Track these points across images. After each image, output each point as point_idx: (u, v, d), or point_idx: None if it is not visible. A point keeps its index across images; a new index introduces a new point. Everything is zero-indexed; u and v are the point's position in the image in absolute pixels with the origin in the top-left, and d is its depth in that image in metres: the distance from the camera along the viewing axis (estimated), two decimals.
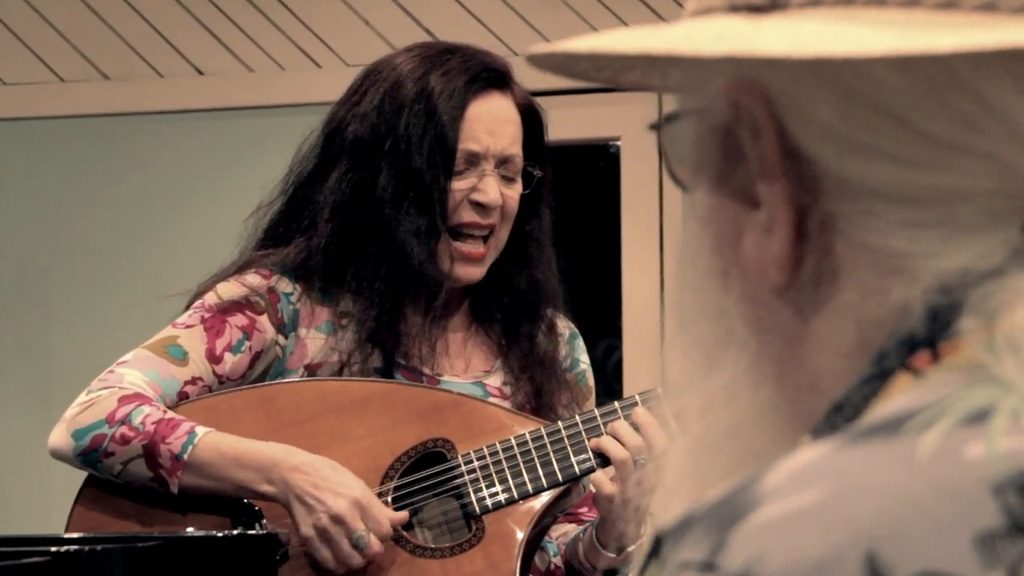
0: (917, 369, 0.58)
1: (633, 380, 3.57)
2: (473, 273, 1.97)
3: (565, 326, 2.11)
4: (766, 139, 0.62)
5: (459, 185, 1.95)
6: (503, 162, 1.97)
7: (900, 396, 0.58)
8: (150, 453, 1.87)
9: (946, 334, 0.58)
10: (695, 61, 0.63)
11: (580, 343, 2.12)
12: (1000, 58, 0.57)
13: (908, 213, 0.60)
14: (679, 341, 0.69)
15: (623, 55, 0.63)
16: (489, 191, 1.95)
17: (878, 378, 0.59)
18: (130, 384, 1.91)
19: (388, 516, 1.88)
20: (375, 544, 1.86)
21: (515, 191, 1.98)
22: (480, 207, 1.96)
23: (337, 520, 1.85)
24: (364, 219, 1.94)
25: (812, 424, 0.63)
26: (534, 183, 2.00)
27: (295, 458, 1.87)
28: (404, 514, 1.90)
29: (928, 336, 0.58)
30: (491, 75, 1.97)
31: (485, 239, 1.97)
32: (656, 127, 0.70)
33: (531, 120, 2.01)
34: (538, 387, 2.01)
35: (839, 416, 0.60)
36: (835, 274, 0.62)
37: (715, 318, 0.67)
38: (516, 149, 1.98)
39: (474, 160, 1.95)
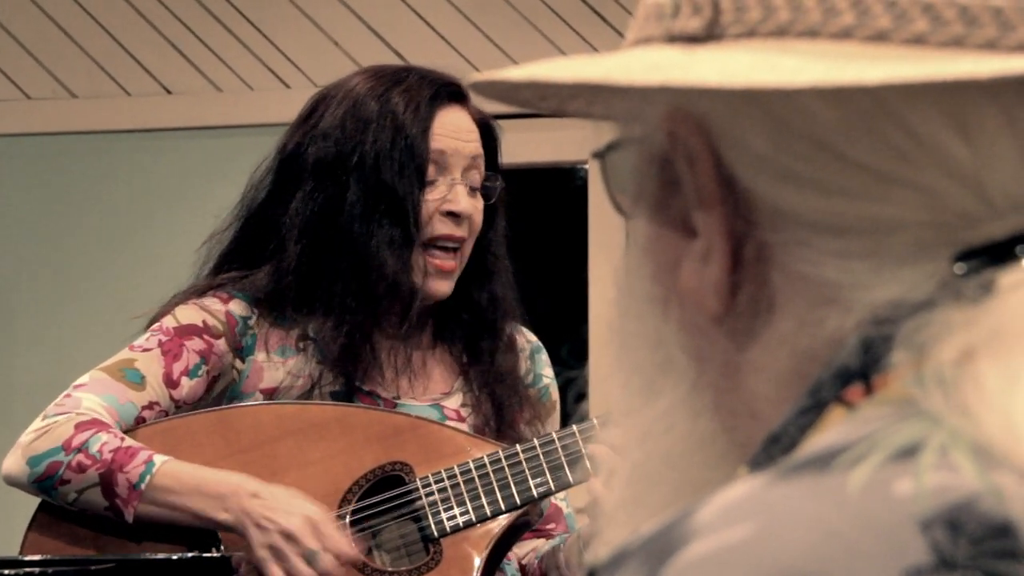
0: (850, 402, 0.58)
1: (599, 400, 3.56)
2: (444, 288, 1.98)
3: (526, 341, 2.11)
4: (702, 169, 0.62)
5: (431, 196, 1.96)
6: (469, 169, 1.99)
7: (833, 430, 0.57)
8: (107, 482, 1.86)
9: (878, 367, 0.58)
10: (633, 90, 0.63)
11: (543, 357, 2.12)
12: (929, 91, 0.58)
13: (840, 243, 0.60)
14: (620, 368, 0.69)
15: (559, 83, 0.63)
16: (461, 200, 1.97)
17: (813, 409, 0.59)
18: (87, 409, 1.90)
19: (343, 541, 1.87)
20: (327, 560, 1.85)
21: (479, 204, 2.00)
22: (453, 216, 1.97)
23: (288, 536, 1.84)
24: (334, 236, 1.94)
25: (749, 452, 0.63)
26: (496, 194, 2.02)
27: (251, 486, 1.87)
28: (358, 553, 1.89)
29: (861, 369, 0.58)
30: (451, 89, 2.00)
31: (454, 252, 1.98)
32: (598, 156, 0.70)
33: (487, 134, 2.04)
34: (499, 404, 2.02)
35: (775, 447, 0.60)
36: (771, 303, 0.62)
37: (654, 346, 0.67)
38: (480, 160, 2.01)
39: (443, 170, 1.97)
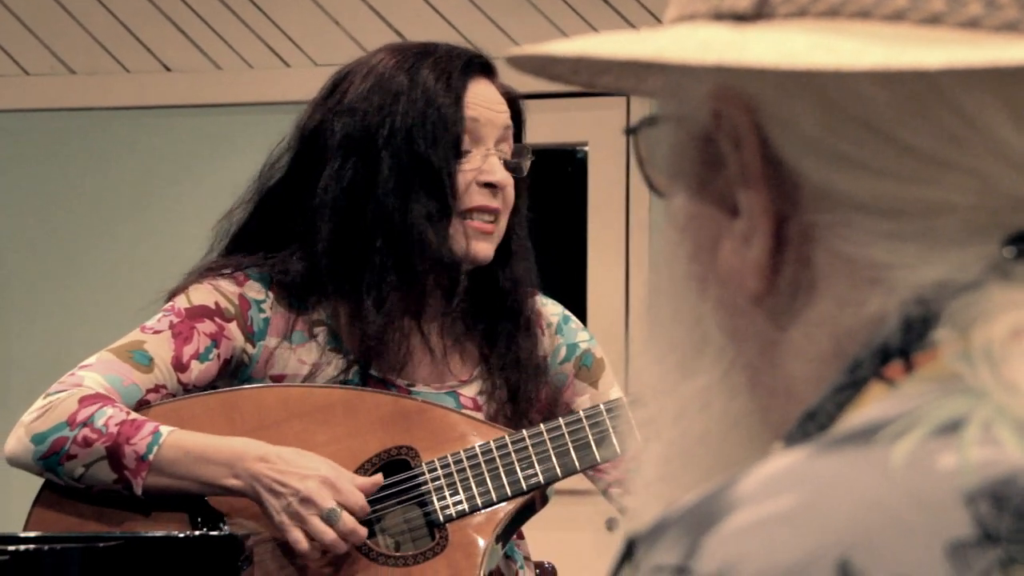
0: (890, 379, 0.58)
1: None
2: (487, 249, 1.94)
3: (554, 313, 2.09)
4: (748, 149, 0.62)
5: (466, 167, 1.94)
6: (501, 141, 1.97)
7: (873, 405, 0.58)
8: (114, 455, 1.85)
9: (921, 344, 0.58)
10: (677, 68, 0.63)
11: (573, 324, 2.10)
12: (983, 75, 0.58)
13: (888, 225, 0.60)
14: (654, 346, 0.69)
15: (610, 60, 0.63)
16: (496, 170, 1.95)
17: (851, 387, 0.60)
18: (89, 386, 1.89)
19: (359, 484, 1.86)
20: (347, 518, 1.84)
21: (511, 179, 1.99)
22: (489, 187, 1.94)
23: (306, 501, 1.83)
24: (368, 213, 1.91)
25: (785, 431, 0.63)
26: (527, 168, 2.01)
27: (259, 450, 1.85)
28: (378, 477, 1.89)
29: (902, 346, 0.58)
30: (481, 62, 1.99)
31: (492, 222, 1.96)
32: (631, 132, 0.70)
33: (515, 110, 2.02)
34: (514, 389, 2.00)
35: (811, 424, 0.61)
36: (812, 284, 0.62)
37: (691, 324, 0.67)
38: (510, 132, 1.99)
39: (477, 141, 1.95)
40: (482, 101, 1.95)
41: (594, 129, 3.78)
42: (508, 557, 2.05)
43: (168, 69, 3.92)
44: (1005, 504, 0.52)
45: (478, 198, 1.94)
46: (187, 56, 3.91)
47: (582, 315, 3.74)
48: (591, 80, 0.70)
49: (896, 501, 0.53)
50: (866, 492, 0.53)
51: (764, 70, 0.58)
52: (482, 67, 1.98)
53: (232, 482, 1.85)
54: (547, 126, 3.72)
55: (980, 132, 0.58)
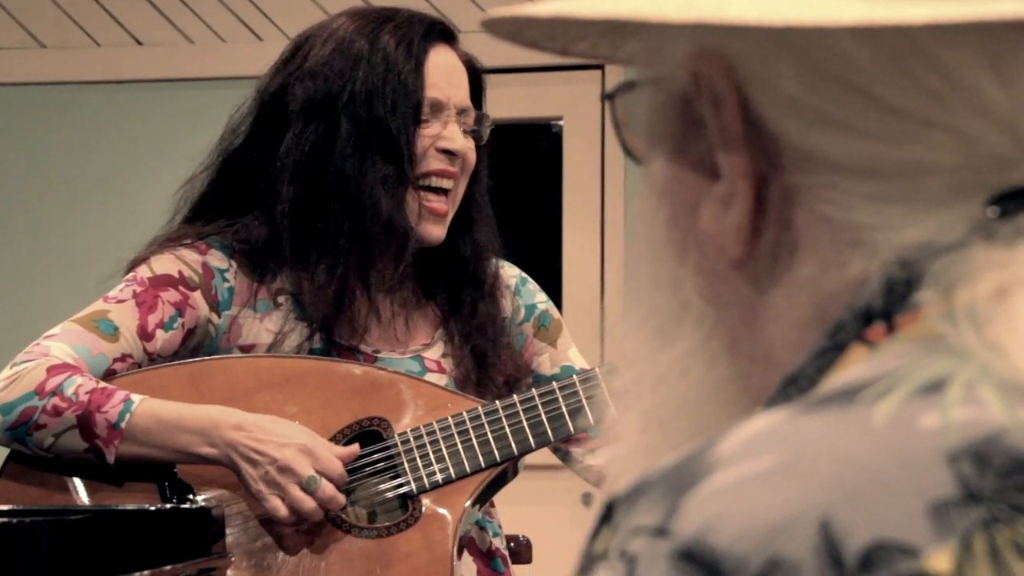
0: (872, 341, 0.58)
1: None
2: (437, 232, 1.96)
3: (511, 275, 2.10)
4: (728, 110, 0.61)
5: (425, 132, 1.94)
6: (462, 111, 1.97)
7: (855, 367, 0.57)
8: (85, 424, 1.83)
9: (903, 306, 0.57)
10: (655, 29, 0.62)
11: (531, 286, 2.11)
12: (967, 32, 0.57)
13: (871, 186, 0.59)
14: (633, 313, 0.68)
15: (587, 20, 0.62)
16: (456, 138, 1.95)
17: (833, 350, 0.59)
18: (56, 356, 1.87)
19: (337, 453, 1.86)
20: (326, 486, 1.84)
21: (472, 144, 1.99)
22: (447, 154, 1.95)
23: (284, 469, 1.83)
24: (327, 177, 1.91)
25: (765, 398, 0.62)
26: (487, 134, 2.01)
27: (234, 417, 1.84)
28: (354, 447, 1.88)
29: (884, 308, 0.58)
30: (442, 29, 1.98)
31: (446, 194, 1.96)
32: (609, 97, 0.69)
33: (474, 76, 2.02)
34: (480, 355, 2.00)
35: (793, 388, 0.60)
36: (794, 247, 0.61)
37: (670, 290, 0.66)
38: (469, 101, 1.99)
39: (437, 108, 1.95)
40: (443, 68, 1.95)
41: (569, 103, 3.77)
42: (482, 528, 2.05)
43: (140, 43, 3.89)
44: (987, 464, 0.52)
45: (435, 163, 1.94)
46: (159, 30, 3.88)
47: (558, 288, 3.73)
48: (566, 46, 0.69)
49: (878, 460, 0.52)
50: (848, 451, 0.53)
51: (744, 28, 0.57)
52: (442, 34, 1.98)
53: (207, 450, 1.83)
54: (522, 100, 3.70)
55: (963, 90, 0.58)
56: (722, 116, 0.61)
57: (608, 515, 0.56)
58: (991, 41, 0.57)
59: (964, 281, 0.56)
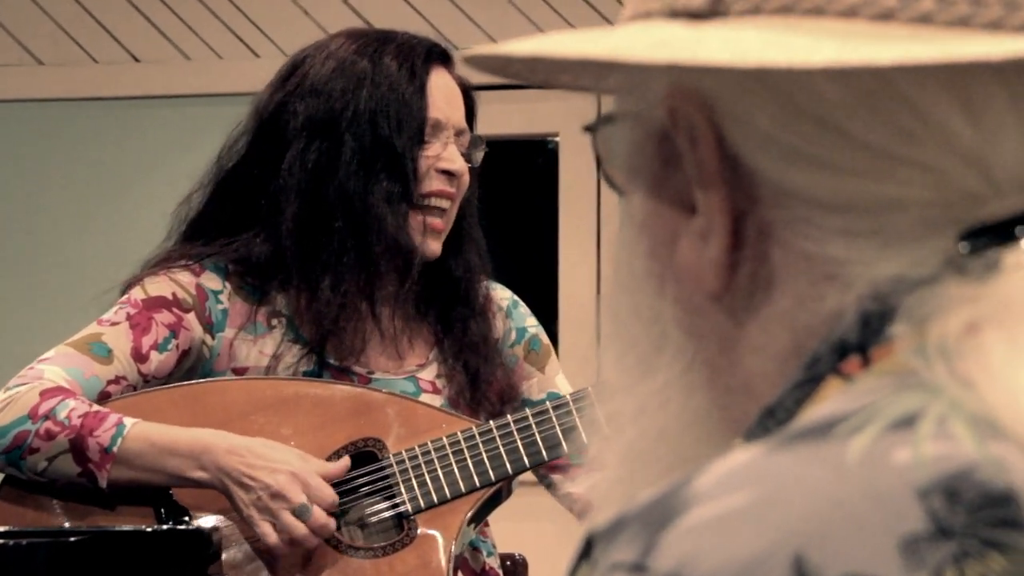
0: (847, 374, 0.58)
1: (569, 377, 3.57)
2: (436, 248, 1.98)
3: (503, 297, 2.11)
4: (704, 147, 0.62)
5: (426, 153, 1.97)
6: (459, 133, 2.00)
7: (830, 401, 0.58)
8: (77, 447, 1.83)
9: (877, 340, 0.58)
10: (634, 66, 0.62)
11: (522, 309, 2.12)
12: (936, 71, 0.58)
13: (844, 221, 0.60)
14: (614, 344, 0.69)
15: (563, 60, 0.63)
16: (456, 159, 1.98)
17: (810, 383, 0.60)
18: (50, 380, 1.87)
19: (328, 469, 1.86)
20: (318, 512, 1.84)
21: (467, 166, 2.01)
22: (447, 175, 1.97)
23: (276, 495, 1.83)
24: (330, 195, 1.93)
25: (743, 429, 0.63)
26: (481, 158, 2.03)
27: (226, 441, 1.85)
28: (345, 460, 1.89)
29: (859, 341, 0.59)
30: (440, 52, 2.01)
31: (443, 213, 1.98)
32: (590, 129, 0.70)
33: (468, 100, 2.05)
34: (473, 373, 2.01)
35: (771, 419, 0.61)
36: (770, 281, 0.62)
37: (650, 322, 0.67)
38: (466, 123, 2.02)
39: (438, 129, 1.98)
40: (443, 89, 1.99)
41: (565, 120, 3.78)
42: (475, 548, 2.05)
43: (136, 60, 3.90)
44: (958, 498, 0.52)
45: (436, 183, 1.97)
46: (156, 47, 3.89)
47: (554, 305, 3.74)
48: (548, 79, 0.70)
49: (851, 496, 0.53)
50: (821, 488, 0.53)
51: (718, 68, 0.58)
52: (440, 56, 2.01)
53: (199, 474, 1.84)
54: (517, 117, 3.71)
55: (933, 127, 0.58)
56: (699, 152, 0.62)
57: (587, 550, 0.56)
58: (961, 80, 0.58)
59: (936, 315, 0.57)
